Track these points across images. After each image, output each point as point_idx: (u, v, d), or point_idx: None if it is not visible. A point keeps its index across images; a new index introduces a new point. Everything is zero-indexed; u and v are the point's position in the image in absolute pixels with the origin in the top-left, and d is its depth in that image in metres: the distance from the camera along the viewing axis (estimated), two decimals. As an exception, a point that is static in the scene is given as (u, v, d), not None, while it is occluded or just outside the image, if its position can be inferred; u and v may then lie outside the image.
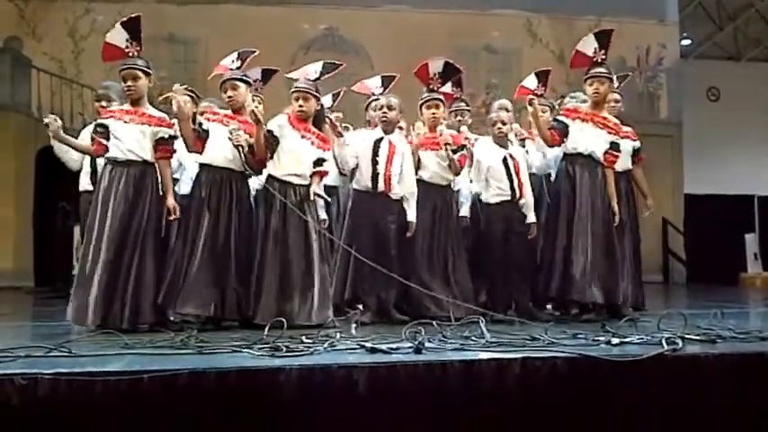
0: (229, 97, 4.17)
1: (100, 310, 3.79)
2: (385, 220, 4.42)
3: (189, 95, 4.65)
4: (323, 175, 4.32)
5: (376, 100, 4.72)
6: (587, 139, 4.51)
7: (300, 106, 4.19)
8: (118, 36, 4.05)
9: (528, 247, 4.60)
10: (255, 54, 4.41)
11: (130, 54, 4.01)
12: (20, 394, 2.24)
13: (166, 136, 4.02)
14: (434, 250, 4.50)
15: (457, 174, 4.62)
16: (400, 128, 4.81)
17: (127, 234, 3.88)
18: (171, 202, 3.98)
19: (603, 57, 4.55)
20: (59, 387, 2.27)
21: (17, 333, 4.29)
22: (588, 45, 4.58)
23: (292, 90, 4.25)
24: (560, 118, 4.59)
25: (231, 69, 4.25)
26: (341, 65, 4.40)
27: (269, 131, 4.11)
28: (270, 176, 4.19)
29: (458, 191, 4.79)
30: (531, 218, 4.65)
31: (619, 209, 4.54)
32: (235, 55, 4.31)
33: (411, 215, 4.48)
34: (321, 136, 4.28)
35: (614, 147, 4.57)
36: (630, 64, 12.10)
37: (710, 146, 13.34)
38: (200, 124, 4.10)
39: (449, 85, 4.95)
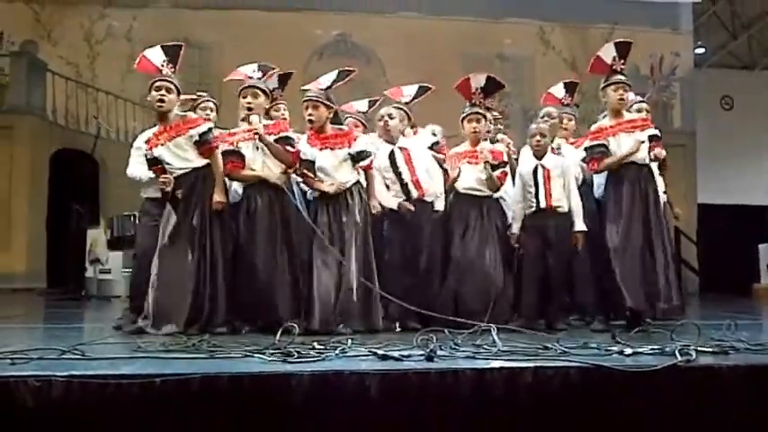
0: (248, 103, 4.20)
1: (183, 316, 3.88)
2: (420, 233, 4.44)
3: (214, 104, 4.70)
4: (369, 168, 4.34)
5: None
6: (625, 147, 4.45)
7: (310, 115, 4.23)
8: (155, 54, 4.15)
9: (563, 259, 4.54)
10: (277, 70, 4.46)
11: (164, 72, 4.11)
12: (33, 396, 2.25)
13: (197, 136, 4.07)
14: (470, 263, 4.46)
15: (494, 190, 4.57)
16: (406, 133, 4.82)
17: (197, 239, 3.99)
18: (215, 197, 4.05)
19: (623, 66, 4.55)
20: (72, 389, 2.27)
21: (30, 335, 4.32)
22: (608, 53, 4.56)
23: (303, 99, 4.29)
24: (595, 143, 4.53)
25: (251, 78, 4.29)
26: (353, 71, 4.43)
27: (307, 160, 4.23)
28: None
29: (499, 198, 4.71)
30: (579, 226, 4.54)
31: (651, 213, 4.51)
32: (255, 66, 4.35)
33: (439, 204, 4.53)
34: (339, 134, 4.31)
35: (654, 138, 4.48)
36: (644, 72, 12.09)
37: (724, 155, 13.25)
38: (236, 150, 4.19)
39: None
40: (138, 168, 4.43)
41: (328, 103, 4.26)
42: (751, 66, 14.63)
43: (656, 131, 4.56)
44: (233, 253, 4.12)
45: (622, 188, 4.44)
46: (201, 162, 4.09)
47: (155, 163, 4.10)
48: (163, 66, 4.11)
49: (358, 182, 4.29)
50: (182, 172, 4.07)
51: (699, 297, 10.91)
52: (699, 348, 2.95)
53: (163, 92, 4.05)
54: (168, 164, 4.07)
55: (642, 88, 5.63)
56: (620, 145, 4.47)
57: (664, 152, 4.53)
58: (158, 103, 4.06)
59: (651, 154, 4.44)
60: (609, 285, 4.43)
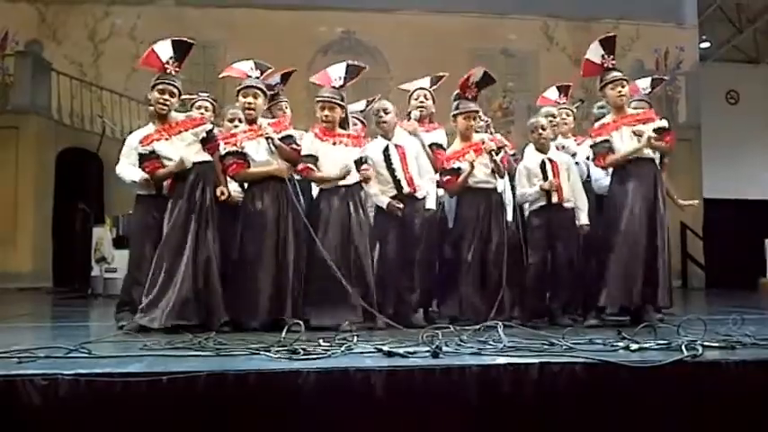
0: (249, 104, 4.19)
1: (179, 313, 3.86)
2: (413, 228, 4.43)
3: (211, 103, 4.70)
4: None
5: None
6: (630, 142, 4.42)
7: (326, 116, 4.25)
8: (164, 49, 4.12)
9: (569, 254, 4.56)
10: (272, 70, 4.45)
11: (168, 71, 4.09)
12: (40, 394, 2.26)
13: (205, 134, 4.11)
14: (478, 257, 4.47)
15: (502, 176, 4.57)
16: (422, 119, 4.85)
17: (197, 235, 3.97)
18: (220, 188, 4.09)
19: (613, 62, 4.51)
20: (79, 388, 2.28)
21: (37, 334, 4.34)
22: (595, 53, 4.51)
23: (317, 99, 4.29)
24: (600, 139, 4.50)
25: (250, 77, 4.28)
26: (364, 67, 4.40)
27: (310, 155, 4.23)
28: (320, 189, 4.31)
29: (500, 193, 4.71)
30: (583, 220, 4.61)
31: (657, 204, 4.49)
32: (252, 64, 4.33)
33: (430, 203, 4.50)
34: (351, 135, 4.35)
35: (662, 131, 4.45)
36: (649, 67, 12.05)
37: (729, 149, 13.20)
38: (238, 151, 4.18)
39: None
40: (128, 170, 4.38)
41: (342, 103, 4.29)
42: (756, 60, 14.56)
43: (664, 122, 4.50)
44: (238, 250, 4.13)
45: (628, 185, 4.40)
46: (203, 157, 4.10)
47: (150, 158, 4.08)
48: (168, 63, 4.10)
49: (359, 183, 4.31)
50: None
51: (705, 292, 10.89)
52: (705, 343, 2.94)
53: (166, 96, 4.06)
54: (170, 159, 4.05)
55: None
56: (624, 138, 4.43)
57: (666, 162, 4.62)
58: (161, 106, 4.07)
59: (658, 156, 4.45)
60: (591, 281, 4.46)
